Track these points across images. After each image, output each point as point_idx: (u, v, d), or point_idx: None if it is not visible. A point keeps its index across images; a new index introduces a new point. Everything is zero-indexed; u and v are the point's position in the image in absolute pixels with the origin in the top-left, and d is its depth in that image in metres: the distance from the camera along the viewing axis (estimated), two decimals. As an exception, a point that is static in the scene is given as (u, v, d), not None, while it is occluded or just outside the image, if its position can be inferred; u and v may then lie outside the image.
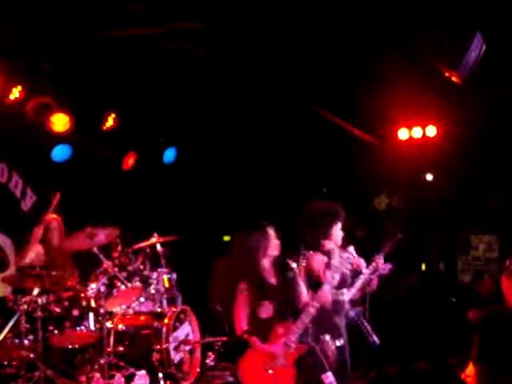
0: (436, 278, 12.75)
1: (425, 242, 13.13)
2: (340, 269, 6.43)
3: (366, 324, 6.84)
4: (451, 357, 9.36)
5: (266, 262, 6.54)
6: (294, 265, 6.62)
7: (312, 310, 6.30)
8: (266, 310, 6.39)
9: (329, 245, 6.74)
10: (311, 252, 6.73)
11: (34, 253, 8.64)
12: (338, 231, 6.81)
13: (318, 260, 6.70)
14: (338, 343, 6.58)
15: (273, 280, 6.53)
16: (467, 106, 11.00)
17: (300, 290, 6.53)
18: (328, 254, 6.66)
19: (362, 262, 7.02)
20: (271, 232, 6.58)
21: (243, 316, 6.42)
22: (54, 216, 8.96)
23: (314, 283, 6.58)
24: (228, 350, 9.55)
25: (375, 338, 6.63)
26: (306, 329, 6.34)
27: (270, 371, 6.23)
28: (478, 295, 10.23)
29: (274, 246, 6.57)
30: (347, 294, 6.84)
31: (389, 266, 7.14)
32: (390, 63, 9.15)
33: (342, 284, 6.73)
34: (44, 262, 8.64)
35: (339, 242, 6.78)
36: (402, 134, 12.24)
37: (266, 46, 9.06)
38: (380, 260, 7.09)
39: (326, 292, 6.38)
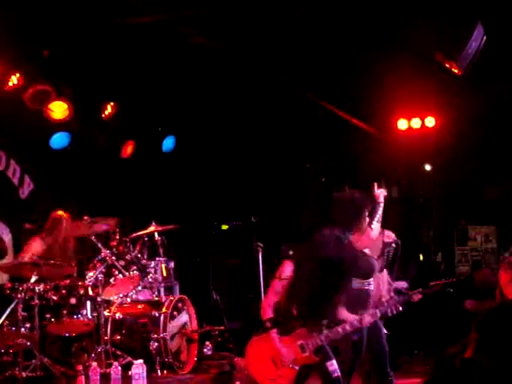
0: (433, 269, 12.74)
1: (422, 232, 13.12)
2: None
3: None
4: (449, 346, 9.36)
5: None
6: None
7: (348, 329, 6.05)
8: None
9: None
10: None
11: (29, 253, 8.64)
12: (366, 219, 6.70)
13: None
14: (355, 337, 6.27)
15: None
16: (466, 97, 10.99)
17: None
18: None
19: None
20: None
21: (271, 303, 6.15)
22: (63, 214, 8.95)
23: None
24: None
25: (383, 329, 6.58)
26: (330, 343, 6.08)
27: (275, 363, 6.14)
28: (476, 286, 10.24)
29: None
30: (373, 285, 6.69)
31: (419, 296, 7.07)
32: (389, 54, 9.13)
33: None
34: (43, 254, 8.64)
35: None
36: (401, 124, 12.23)
37: (265, 36, 9.04)
38: (418, 296, 7.05)
39: (372, 317, 6.18)
